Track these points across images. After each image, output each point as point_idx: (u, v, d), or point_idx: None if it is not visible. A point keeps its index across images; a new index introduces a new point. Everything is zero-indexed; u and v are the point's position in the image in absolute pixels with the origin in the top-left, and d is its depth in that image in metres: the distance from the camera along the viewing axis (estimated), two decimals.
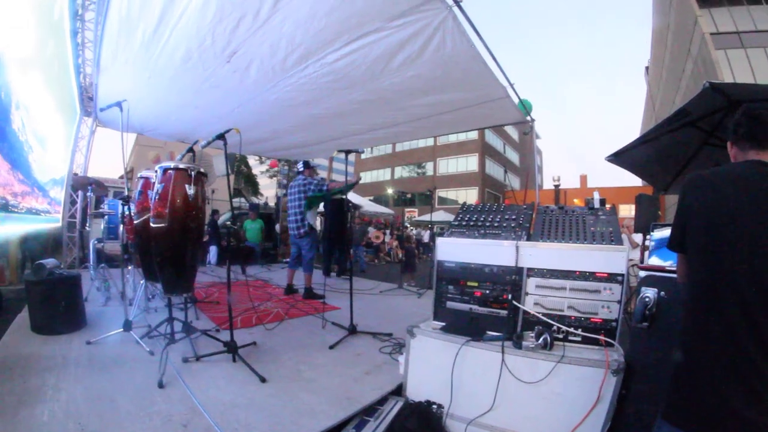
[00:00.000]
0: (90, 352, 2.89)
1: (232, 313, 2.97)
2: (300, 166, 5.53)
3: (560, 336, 2.19)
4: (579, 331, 2.17)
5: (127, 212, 3.50)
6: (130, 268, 4.14)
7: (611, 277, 2.14)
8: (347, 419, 2.20)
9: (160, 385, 2.37)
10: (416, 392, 2.41)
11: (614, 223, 2.38)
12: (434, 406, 2.30)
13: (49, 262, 3.51)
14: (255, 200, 20.91)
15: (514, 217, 2.60)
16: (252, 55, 3.85)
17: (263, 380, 2.53)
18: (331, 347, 3.29)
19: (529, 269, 2.27)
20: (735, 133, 1.30)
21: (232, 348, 2.83)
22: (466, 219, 2.71)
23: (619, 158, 4.13)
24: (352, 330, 3.62)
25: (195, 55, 3.88)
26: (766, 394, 1.04)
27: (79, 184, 6.03)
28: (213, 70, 4.17)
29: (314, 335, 3.68)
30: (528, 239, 2.36)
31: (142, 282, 3.89)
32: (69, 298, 3.35)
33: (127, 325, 3.18)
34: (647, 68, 32.94)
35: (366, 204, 19.52)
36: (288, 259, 6.21)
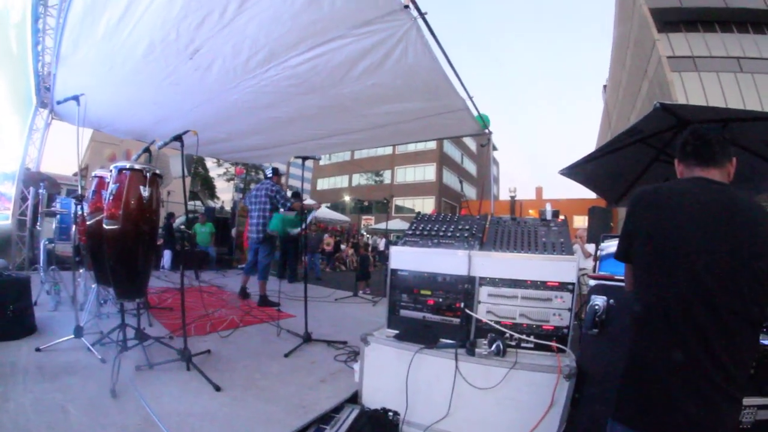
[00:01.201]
0: (40, 359, 2.77)
1: (186, 320, 2.91)
2: (269, 172, 5.49)
3: (513, 343, 2.25)
4: (531, 338, 2.24)
5: (80, 212, 3.36)
6: (81, 271, 3.97)
7: (562, 286, 2.23)
8: (303, 428, 2.19)
9: (114, 395, 2.30)
10: (372, 400, 2.43)
11: (565, 234, 2.47)
12: (390, 413, 2.31)
13: None
14: (211, 204, 20.47)
15: (467, 227, 2.65)
16: (215, 54, 3.81)
17: (218, 389, 2.49)
18: (286, 355, 3.27)
19: (481, 278, 2.33)
20: (682, 152, 1.38)
21: (186, 356, 2.77)
22: (420, 228, 2.75)
23: (572, 172, 4.30)
24: (307, 338, 3.60)
25: (158, 49, 3.81)
26: (710, 394, 1.11)
27: (32, 180, 5.72)
28: (175, 67, 4.10)
29: (269, 343, 3.65)
30: (480, 249, 2.42)
31: (94, 286, 3.74)
32: (18, 302, 3.20)
33: (79, 332, 3.05)
34: (605, 86, 34.54)
35: (323, 211, 19.45)
36: (243, 265, 6.15)
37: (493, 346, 2.17)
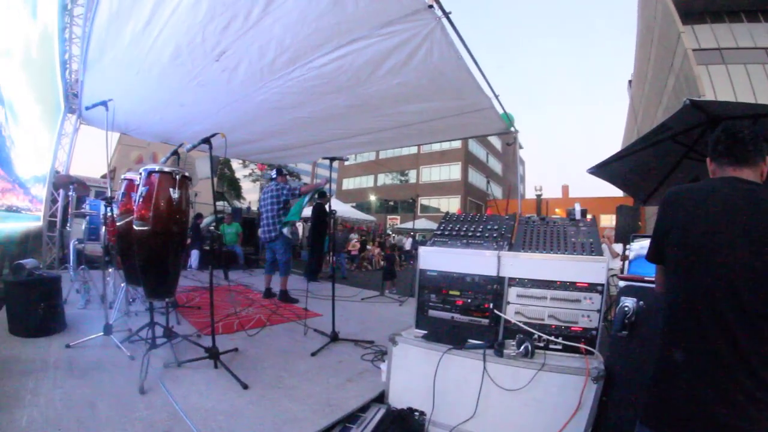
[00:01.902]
0: (69, 355, 2.84)
1: (214, 319, 2.95)
2: (273, 173, 5.62)
3: (541, 344, 2.22)
4: (560, 340, 2.20)
5: (109, 213, 3.45)
6: (110, 270, 4.06)
7: (591, 287, 2.18)
8: (330, 426, 2.19)
9: (141, 391, 2.34)
10: (398, 400, 2.42)
11: (594, 234, 2.42)
12: (416, 414, 2.31)
13: (29, 262, 3.45)
14: (238, 204, 20.74)
15: (496, 227, 2.63)
16: (241, 56, 3.84)
17: (245, 387, 2.52)
18: (313, 354, 3.28)
19: (510, 279, 2.30)
20: (714, 150, 1.34)
21: (213, 354, 2.80)
22: (449, 228, 2.74)
23: (600, 170, 4.21)
24: (334, 337, 3.61)
25: (184, 53, 3.86)
26: (740, 399, 1.08)
27: (61, 182, 5.88)
28: (201, 69, 4.15)
29: (296, 342, 3.67)
30: (509, 249, 2.40)
31: (123, 285, 3.83)
32: (48, 300, 3.28)
33: (108, 329, 3.12)
34: (630, 82, 33.75)
35: (348, 211, 19.45)
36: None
37: (522, 348, 2.14)
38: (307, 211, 8.39)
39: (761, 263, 1.11)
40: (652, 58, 23.78)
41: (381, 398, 2.52)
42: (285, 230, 5.26)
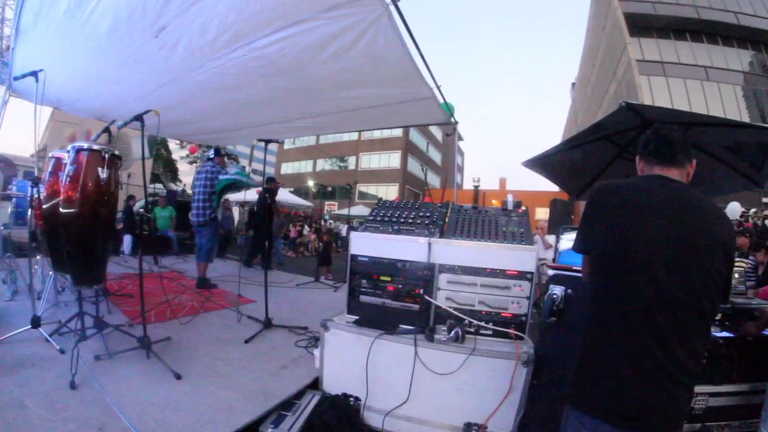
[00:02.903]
0: None
1: (146, 307, 2.86)
2: (211, 153, 5.46)
3: (472, 330, 2.31)
4: (490, 325, 2.30)
5: (36, 195, 3.24)
6: (38, 257, 3.82)
7: (521, 275, 2.30)
8: (265, 414, 2.20)
9: (72, 386, 2.26)
10: (333, 385, 2.46)
11: (526, 224, 2.54)
12: (351, 399, 2.35)
13: None
14: (174, 187, 19.97)
15: (428, 214, 2.69)
16: (181, 33, 3.69)
17: (178, 377, 2.48)
18: (247, 341, 3.26)
19: (441, 265, 2.38)
20: (644, 149, 1.43)
21: (146, 344, 2.73)
22: (381, 214, 2.78)
23: (535, 164, 4.39)
24: (268, 324, 3.60)
25: (122, 26, 3.64)
26: (666, 384, 1.17)
27: None
28: (139, 45, 3.94)
29: (230, 329, 3.63)
30: (441, 236, 2.46)
31: (51, 273, 3.61)
32: None
33: (36, 322, 2.95)
34: (573, 84, 35.42)
35: (286, 195, 19.16)
36: None
37: (452, 333, 2.22)
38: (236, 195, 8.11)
39: (683, 256, 1.20)
40: (597, 64, 25.08)
41: (315, 385, 2.54)
42: (217, 215, 5.19)
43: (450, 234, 2.47)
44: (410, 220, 2.64)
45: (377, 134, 32.14)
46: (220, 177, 5.17)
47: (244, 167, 6.28)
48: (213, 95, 5.08)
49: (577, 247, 1.45)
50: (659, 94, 18.06)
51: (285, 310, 4.21)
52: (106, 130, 2.98)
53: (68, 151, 2.75)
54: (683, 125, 3.10)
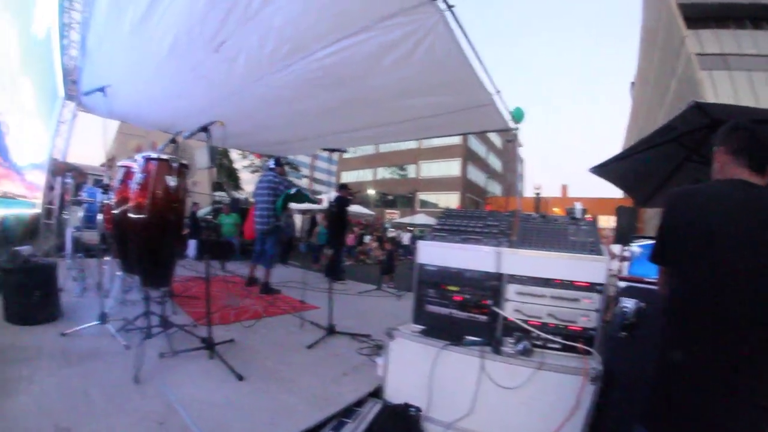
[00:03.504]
0: (64, 344, 2.82)
1: (210, 309, 2.93)
2: (271, 163, 5.56)
3: (539, 343, 2.20)
4: (558, 339, 2.18)
5: (106, 201, 3.42)
6: (107, 258, 4.01)
7: (591, 287, 2.16)
8: (325, 420, 2.19)
9: (136, 381, 2.33)
10: (395, 395, 2.41)
11: (595, 233, 2.41)
12: (412, 409, 2.29)
13: (25, 249, 3.42)
14: (236, 195, 20.68)
15: (496, 223, 2.60)
16: (240, 47, 3.81)
17: (240, 378, 2.51)
18: (309, 347, 3.27)
19: (509, 276, 2.28)
20: (731, 143, 1.31)
21: (209, 344, 2.79)
22: (449, 223, 2.71)
23: (602, 170, 4.19)
24: (331, 330, 3.60)
25: (183, 43, 3.84)
26: (740, 404, 1.07)
27: (59, 169, 5.88)
28: (200, 60, 4.12)
29: (292, 334, 3.66)
30: (509, 246, 2.37)
31: (119, 273, 3.80)
32: (44, 288, 3.26)
33: (103, 318, 3.11)
34: (633, 84, 33.72)
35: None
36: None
37: (520, 345, 2.13)
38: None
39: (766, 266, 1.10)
40: (655, 61, 23.76)
41: (377, 393, 2.51)
42: (281, 223, 5.27)
43: (519, 243, 2.37)
44: (478, 229, 2.57)
45: (436, 142, 31.87)
46: (283, 188, 5.30)
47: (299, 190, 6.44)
48: (274, 107, 5.25)
49: (655, 257, 1.36)
50: (722, 89, 16.82)
51: (347, 317, 4.19)
52: (173, 140, 3.10)
53: (137, 160, 2.88)
54: (755, 123, 2.87)
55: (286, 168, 6.44)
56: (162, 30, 3.68)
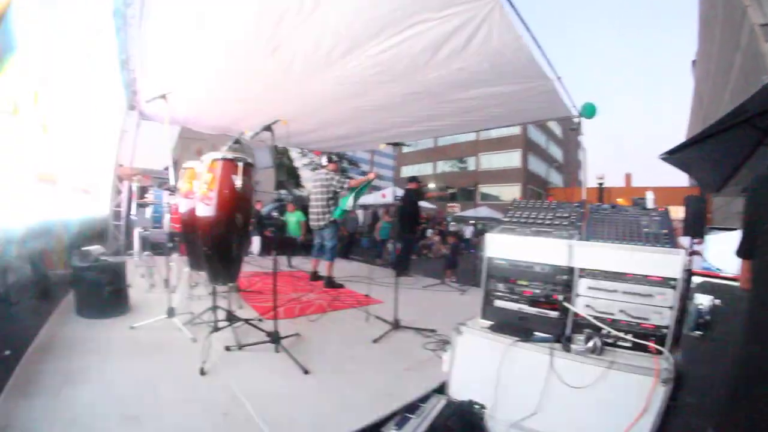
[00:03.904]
0: (133, 336, 2.97)
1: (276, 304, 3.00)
2: (323, 161, 5.64)
3: (609, 341, 2.11)
4: (629, 337, 2.08)
5: (173, 202, 3.59)
6: (174, 256, 4.22)
7: (665, 281, 2.04)
8: (389, 415, 2.19)
9: (202, 373, 2.42)
10: (459, 391, 2.38)
11: (668, 224, 2.26)
12: (477, 407, 2.26)
13: (95, 249, 3.65)
14: (297, 192, 21.14)
15: (566, 215, 2.50)
16: (296, 48, 3.87)
17: (306, 372, 2.55)
18: (375, 341, 3.29)
19: (581, 269, 2.19)
20: None
21: (275, 338, 2.85)
22: (517, 215, 2.64)
23: (672, 157, 3.93)
24: (396, 325, 3.59)
25: (239, 49, 3.95)
26: None
27: (125, 174, 6.27)
28: (257, 63, 4.22)
29: (357, 328, 3.69)
30: (581, 238, 2.28)
31: (185, 270, 3.99)
32: (114, 284, 3.46)
33: (171, 312, 3.25)
34: (694, 62, 31.40)
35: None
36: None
37: (590, 343, 2.04)
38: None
39: None
40: (716, 36, 22.03)
41: (441, 389, 2.49)
42: (336, 218, 5.35)
43: (590, 236, 2.27)
44: (548, 221, 2.48)
45: (494, 133, 31.23)
46: (336, 184, 5.37)
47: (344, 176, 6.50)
48: (333, 105, 5.33)
49: (742, 251, 1.28)
50: None
51: (412, 311, 4.16)
52: (237, 141, 3.20)
53: (203, 162, 2.98)
54: None
55: (346, 164, 6.58)
56: (216, 37, 3.79)
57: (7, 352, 2.31)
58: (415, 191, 7.08)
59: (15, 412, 1.86)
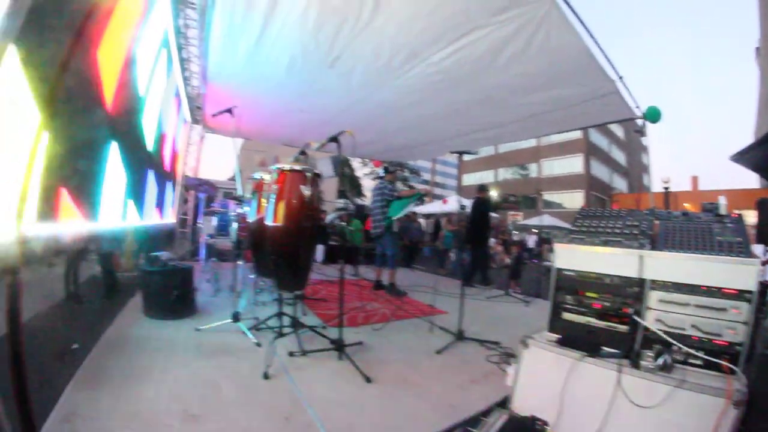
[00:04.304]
0: (198, 338, 3.10)
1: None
2: (381, 172, 5.81)
3: (679, 358, 2.01)
4: (701, 354, 1.98)
5: (241, 211, 3.75)
6: (239, 263, 4.47)
7: (740, 294, 1.92)
8: (450, 428, 2.17)
9: (265, 377, 2.46)
10: (522, 406, 2.35)
11: (743, 232, 2.12)
12: (538, 423, 2.22)
13: (163, 254, 3.86)
14: (359, 201, 21.55)
15: (636, 223, 2.41)
16: (356, 58, 3.94)
17: (368, 380, 2.56)
18: (438, 352, 3.27)
19: (652, 281, 2.11)
20: None
21: (339, 346, 2.90)
22: (585, 224, 2.57)
23: (742, 158, 3.67)
24: (460, 336, 3.57)
25: (299, 61, 4.07)
26: None
27: (192, 184, 6.68)
28: (318, 75, 4.34)
29: (420, 339, 3.69)
30: (652, 248, 2.19)
31: (251, 276, 4.15)
32: (181, 287, 3.64)
33: (236, 317, 3.37)
34: (758, 49, 28.69)
35: (470, 207, 18.96)
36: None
37: (660, 360, 1.95)
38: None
39: None
40: None
41: (504, 402, 2.46)
42: (393, 226, 5.47)
43: (661, 245, 2.18)
44: (617, 230, 2.40)
45: (555, 138, 30.12)
46: (388, 192, 5.55)
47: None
48: (395, 113, 5.38)
49: None
50: None
51: (476, 322, 4.12)
52: (303, 152, 3.32)
53: (270, 173, 3.11)
54: None
55: (407, 173, 6.71)
56: (277, 51, 3.93)
57: (75, 345, 2.49)
58: (483, 200, 7.04)
59: (81, 402, 1.95)
